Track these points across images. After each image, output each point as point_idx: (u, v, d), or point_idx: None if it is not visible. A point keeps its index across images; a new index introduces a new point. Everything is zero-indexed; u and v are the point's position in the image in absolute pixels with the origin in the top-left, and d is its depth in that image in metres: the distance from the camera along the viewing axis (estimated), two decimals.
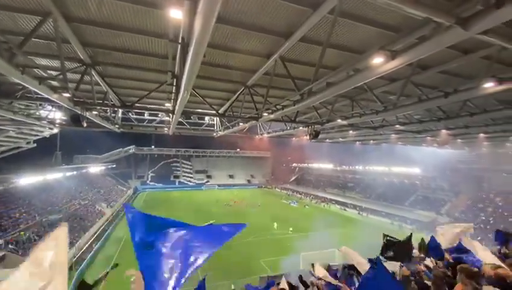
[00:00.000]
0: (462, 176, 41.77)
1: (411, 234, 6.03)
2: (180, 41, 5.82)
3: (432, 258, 5.44)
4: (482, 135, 17.94)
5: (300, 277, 6.00)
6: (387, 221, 38.58)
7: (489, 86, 7.01)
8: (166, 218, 2.38)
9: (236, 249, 24.62)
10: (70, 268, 20.23)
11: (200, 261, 2.05)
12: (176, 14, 4.18)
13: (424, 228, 33.02)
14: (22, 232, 22.70)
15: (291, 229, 32.65)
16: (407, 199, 44.01)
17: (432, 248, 5.60)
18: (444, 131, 15.92)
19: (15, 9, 5.65)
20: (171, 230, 2.25)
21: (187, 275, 2.01)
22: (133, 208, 2.39)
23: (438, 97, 8.80)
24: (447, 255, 5.15)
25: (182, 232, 2.23)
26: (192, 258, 2.06)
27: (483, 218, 33.38)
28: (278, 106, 11.87)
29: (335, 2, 4.94)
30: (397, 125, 15.29)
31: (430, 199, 41.64)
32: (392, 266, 4.86)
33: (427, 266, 5.06)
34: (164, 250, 2.13)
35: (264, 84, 9.81)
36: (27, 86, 7.45)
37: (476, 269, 3.48)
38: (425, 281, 4.21)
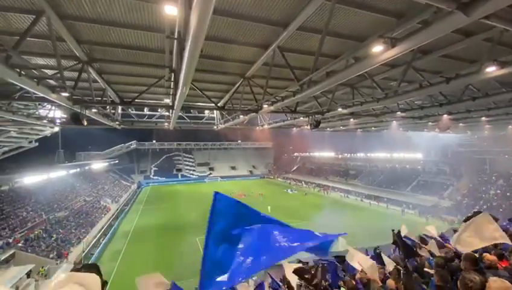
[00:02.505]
0: (464, 159, 41.75)
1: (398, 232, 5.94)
2: (176, 36, 5.72)
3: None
4: (484, 118, 17.82)
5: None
6: (390, 207, 38.89)
7: (492, 70, 6.91)
8: (256, 211, 2.30)
9: None
10: (80, 263, 20.72)
11: (275, 260, 1.94)
12: (170, 10, 4.09)
13: (426, 212, 33.38)
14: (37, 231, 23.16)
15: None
16: (410, 185, 44.22)
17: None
18: (445, 116, 15.80)
19: (7, 8, 5.54)
20: (258, 226, 2.16)
21: (254, 272, 1.92)
22: (224, 195, 2.25)
23: (439, 83, 8.70)
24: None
25: (271, 229, 2.13)
26: (266, 256, 1.93)
27: (486, 202, 33.54)
28: (277, 97, 11.78)
29: None
30: (398, 112, 15.19)
31: (432, 183, 41.80)
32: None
33: (431, 253, 5.13)
34: (241, 246, 2.04)
35: (263, 75, 9.72)
36: (25, 87, 7.42)
37: (475, 255, 3.51)
38: (427, 269, 4.27)
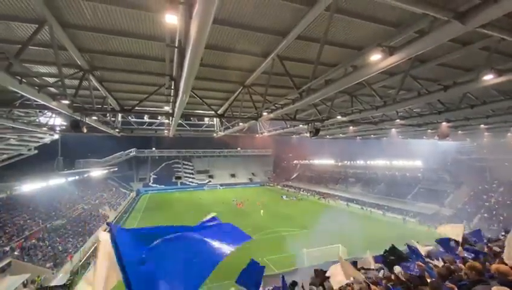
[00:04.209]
0: (464, 167, 41.62)
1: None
2: (176, 44, 5.79)
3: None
4: (482, 125, 17.88)
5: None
6: (391, 215, 38.54)
7: (489, 78, 6.96)
8: (157, 226, 2.01)
9: (238, 248, 24.59)
10: (76, 272, 20.36)
11: (206, 271, 1.85)
12: (171, 19, 4.15)
13: (427, 220, 33.07)
14: (34, 240, 22.86)
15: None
16: (410, 193, 43.95)
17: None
18: (444, 123, 15.85)
19: (10, 17, 5.63)
20: (166, 238, 1.92)
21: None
22: (119, 226, 1.95)
23: (437, 91, 8.76)
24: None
25: (181, 240, 1.97)
26: (195, 268, 1.84)
27: (488, 210, 33.28)
28: (277, 105, 11.84)
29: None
30: (397, 120, 15.24)
31: (432, 191, 41.50)
32: None
33: (436, 265, 5.07)
34: (158, 264, 1.76)
35: (263, 83, 9.79)
36: (26, 95, 7.45)
37: (480, 265, 3.45)
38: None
